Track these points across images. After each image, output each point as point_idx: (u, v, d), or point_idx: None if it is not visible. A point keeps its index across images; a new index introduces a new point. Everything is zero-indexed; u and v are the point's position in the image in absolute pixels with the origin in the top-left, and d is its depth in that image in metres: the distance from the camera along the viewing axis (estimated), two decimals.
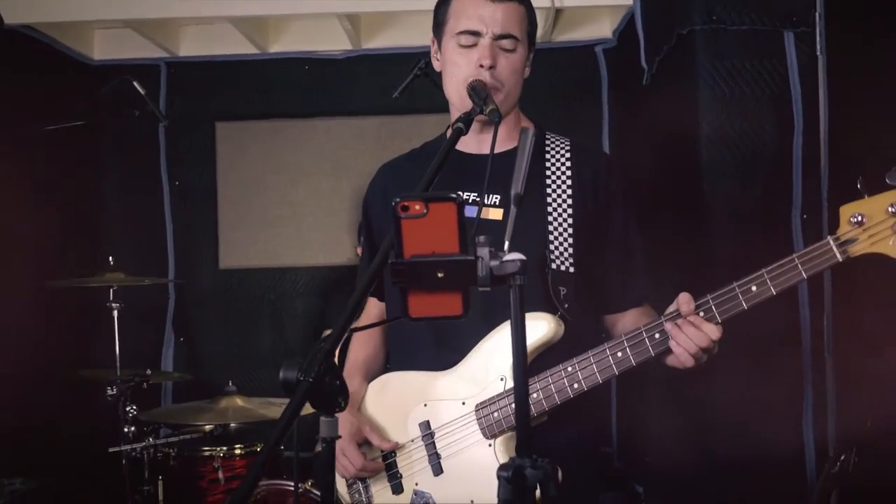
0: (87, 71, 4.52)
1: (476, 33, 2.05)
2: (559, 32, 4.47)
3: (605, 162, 2.21)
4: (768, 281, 1.81)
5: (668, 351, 1.90)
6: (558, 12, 4.27)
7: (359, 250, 4.25)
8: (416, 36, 4.49)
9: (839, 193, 2.87)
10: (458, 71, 2.09)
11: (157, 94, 4.53)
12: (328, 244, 4.62)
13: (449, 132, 2.21)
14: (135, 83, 3.41)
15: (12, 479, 3.49)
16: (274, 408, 3.50)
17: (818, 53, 2.92)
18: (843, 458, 2.52)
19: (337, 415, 2.12)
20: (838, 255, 1.76)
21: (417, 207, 1.32)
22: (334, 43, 4.51)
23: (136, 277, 3.67)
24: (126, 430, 3.50)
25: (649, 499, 3.91)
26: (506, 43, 2.06)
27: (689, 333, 1.84)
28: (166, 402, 4.54)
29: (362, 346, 2.36)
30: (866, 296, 2.66)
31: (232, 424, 3.48)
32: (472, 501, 1.99)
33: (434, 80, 3.24)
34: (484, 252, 1.33)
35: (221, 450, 3.48)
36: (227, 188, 4.64)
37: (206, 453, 3.48)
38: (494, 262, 1.33)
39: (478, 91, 1.96)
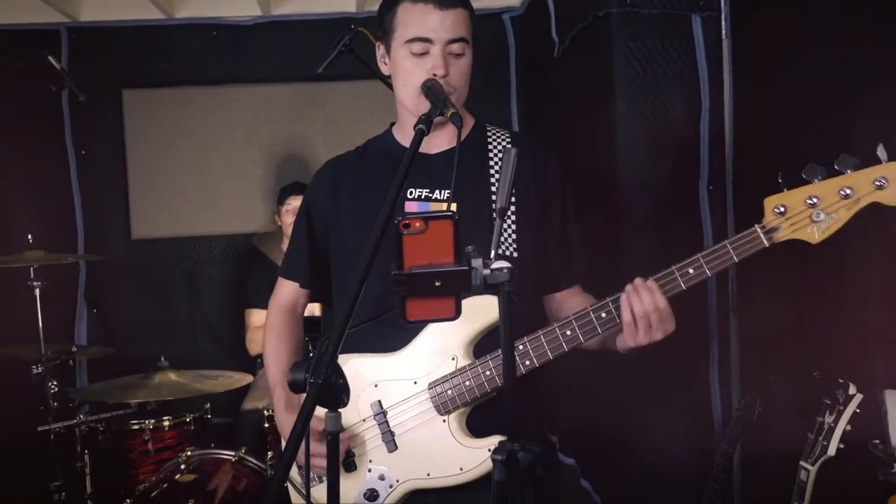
0: None
1: (427, 40, 2.13)
2: None
3: (542, 151, 2.33)
4: (704, 265, 2.03)
5: (615, 333, 2.09)
6: None
7: (276, 218, 4.34)
8: (326, 2, 4.57)
9: (742, 167, 3.17)
10: (411, 78, 2.16)
11: (59, 61, 4.42)
12: (242, 212, 4.68)
13: (395, 131, 2.35)
14: (50, 58, 3.37)
15: None
16: (208, 381, 3.58)
17: (723, 37, 3.17)
18: (747, 399, 2.75)
19: (284, 419, 2.24)
20: (765, 241, 2.00)
21: (418, 225, 1.48)
22: (243, 8, 4.53)
23: (58, 255, 3.66)
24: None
25: (563, 446, 4.20)
26: (456, 47, 2.14)
27: (644, 296, 2.02)
28: (82, 375, 4.55)
29: (286, 344, 2.42)
30: (769, 258, 2.92)
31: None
32: (428, 474, 2.14)
33: (358, 56, 3.36)
34: (478, 262, 1.50)
35: (150, 422, 3.55)
36: (136, 157, 4.63)
37: (135, 426, 3.54)
38: (486, 272, 1.50)
39: (434, 92, 2.05)
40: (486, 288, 1.51)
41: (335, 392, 1.53)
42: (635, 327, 2.04)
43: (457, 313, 1.55)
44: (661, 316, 2.03)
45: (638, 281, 2.05)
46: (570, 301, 2.32)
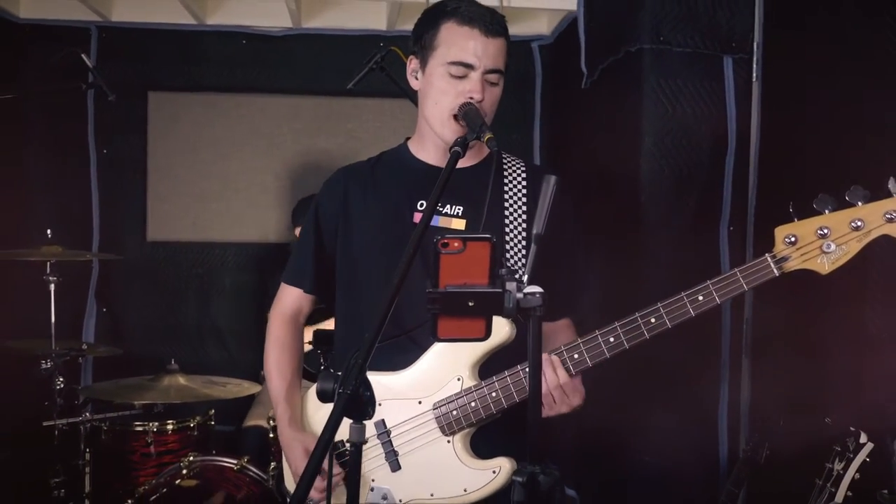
0: (12, 29, 4.46)
1: (469, 66, 2.17)
2: None
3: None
4: (714, 291, 2.06)
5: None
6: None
7: (297, 232, 4.38)
8: (357, 19, 4.65)
9: (764, 210, 3.22)
10: (444, 98, 2.20)
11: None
12: (259, 221, 4.73)
13: (411, 144, 2.38)
14: (83, 56, 3.43)
15: None
16: (217, 387, 3.61)
17: (754, 79, 3.23)
18: (755, 441, 2.77)
19: (288, 435, 2.28)
20: (775, 271, 2.03)
21: (456, 245, 1.52)
22: (273, 19, 4.60)
23: (75, 252, 3.71)
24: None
25: (564, 477, 4.22)
26: (492, 77, 2.20)
27: (547, 373, 2.07)
28: (87, 374, 4.58)
29: (290, 356, 2.43)
30: (785, 301, 2.95)
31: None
32: (431, 495, 2.16)
33: (389, 74, 3.42)
34: (511, 286, 1.54)
35: (154, 425, 3.57)
36: (157, 159, 4.69)
37: (139, 428, 3.57)
38: (520, 296, 1.54)
39: (471, 117, 2.09)
40: (518, 311, 1.55)
41: (362, 404, 1.58)
42: None
43: (486, 334, 1.59)
44: (564, 391, 2.09)
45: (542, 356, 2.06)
46: (558, 334, 2.34)
